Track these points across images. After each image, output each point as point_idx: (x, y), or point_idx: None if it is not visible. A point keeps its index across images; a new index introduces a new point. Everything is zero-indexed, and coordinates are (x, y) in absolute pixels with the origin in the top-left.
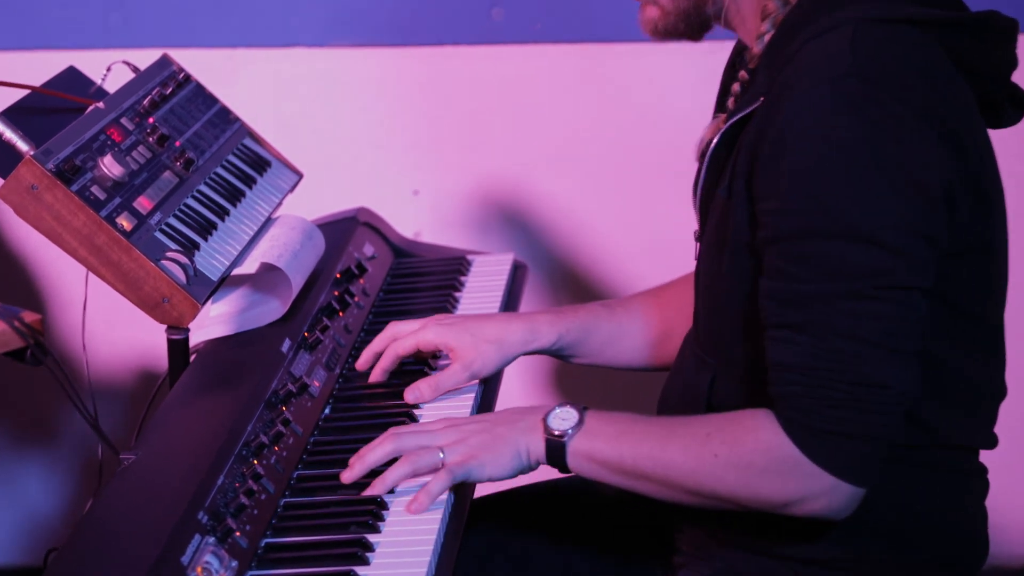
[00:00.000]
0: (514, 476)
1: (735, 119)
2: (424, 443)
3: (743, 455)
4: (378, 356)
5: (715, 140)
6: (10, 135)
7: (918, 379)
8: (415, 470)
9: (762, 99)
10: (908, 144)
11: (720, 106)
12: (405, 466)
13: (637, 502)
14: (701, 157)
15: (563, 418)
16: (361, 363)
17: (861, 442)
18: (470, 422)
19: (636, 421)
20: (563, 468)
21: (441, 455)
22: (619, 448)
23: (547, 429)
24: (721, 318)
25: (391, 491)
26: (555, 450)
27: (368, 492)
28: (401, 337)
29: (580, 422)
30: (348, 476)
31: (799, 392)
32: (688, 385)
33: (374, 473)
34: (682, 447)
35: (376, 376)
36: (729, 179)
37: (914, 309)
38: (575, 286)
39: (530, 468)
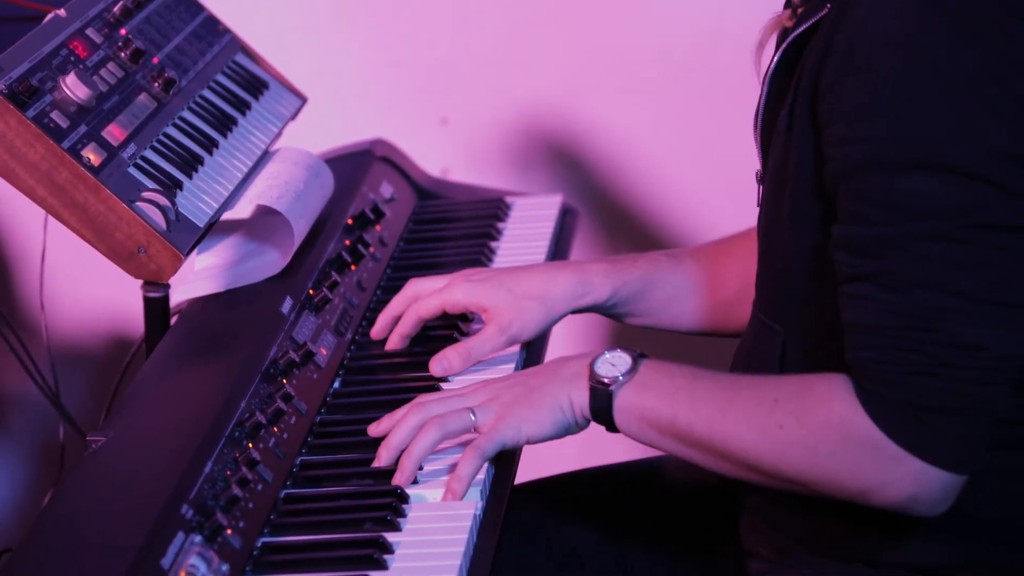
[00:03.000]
0: (558, 436)
1: (797, 33)
2: (453, 406)
3: (812, 430)
4: (395, 320)
5: (774, 61)
6: None
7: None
8: (444, 435)
9: (828, 6)
10: (1012, 55)
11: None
12: (433, 432)
13: (710, 496)
14: (763, 75)
15: (613, 363)
16: (377, 330)
17: (954, 418)
18: (503, 379)
19: (699, 377)
20: (609, 424)
21: (472, 417)
22: (674, 407)
23: (593, 375)
24: (785, 276)
25: (414, 481)
26: (600, 400)
27: (397, 479)
28: (424, 296)
29: (632, 369)
30: (379, 464)
31: (876, 357)
32: (753, 355)
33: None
34: (744, 413)
35: (394, 343)
36: (790, 106)
37: (1016, 253)
38: (635, 234)
39: (577, 426)
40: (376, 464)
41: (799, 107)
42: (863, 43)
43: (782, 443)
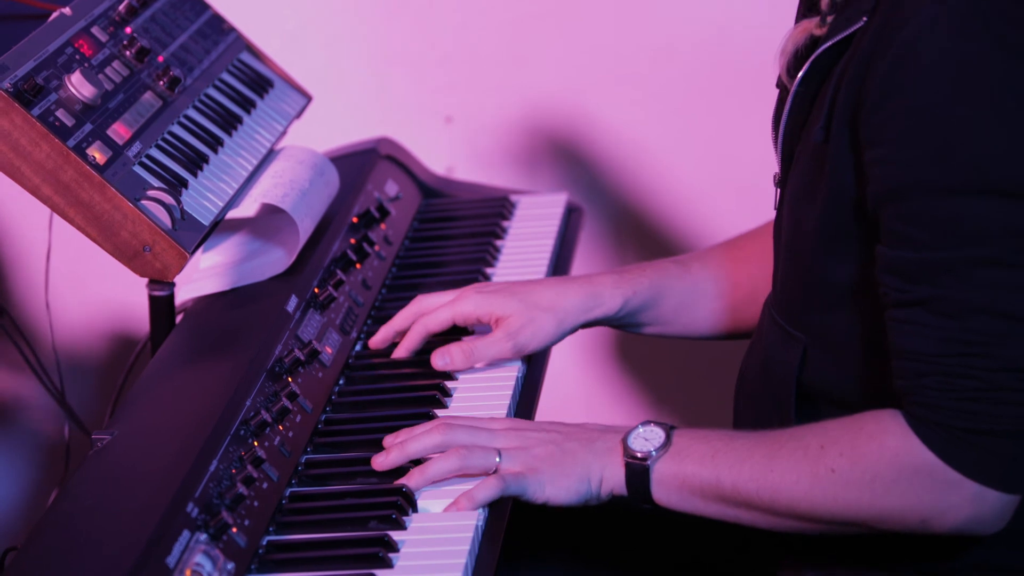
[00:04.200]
0: (575, 504)
1: (829, 44)
2: (480, 442)
3: (867, 468)
4: (399, 335)
5: (806, 67)
6: None
7: None
8: (464, 468)
9: (864, 19)
10: None
11: (808, 6)
12: (454, 461)
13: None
14: (788, 78)
15: (646, 437)
16: (376, 340)
17: (1009, 440)
18: (536, 429)
19: (734, 437)
20: (647, 499)
21: (497, 459)
22: (715, 470)
23: (627, 451)
24: (809, 283)
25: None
26: (637, 476)
27: (403, 480)
28: (431, 310)
29: (667, 442)
30: (383, 462)
31: (930, 384)
32: (771, 362)
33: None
34: (791, 464)
35: (400, 353)
36: (827, 118)
37: None
38: (640, 232)
39: (598, 499)
40: (381, 460)
41: (837, 121)
42: (909, 63)
43: (837, 487)
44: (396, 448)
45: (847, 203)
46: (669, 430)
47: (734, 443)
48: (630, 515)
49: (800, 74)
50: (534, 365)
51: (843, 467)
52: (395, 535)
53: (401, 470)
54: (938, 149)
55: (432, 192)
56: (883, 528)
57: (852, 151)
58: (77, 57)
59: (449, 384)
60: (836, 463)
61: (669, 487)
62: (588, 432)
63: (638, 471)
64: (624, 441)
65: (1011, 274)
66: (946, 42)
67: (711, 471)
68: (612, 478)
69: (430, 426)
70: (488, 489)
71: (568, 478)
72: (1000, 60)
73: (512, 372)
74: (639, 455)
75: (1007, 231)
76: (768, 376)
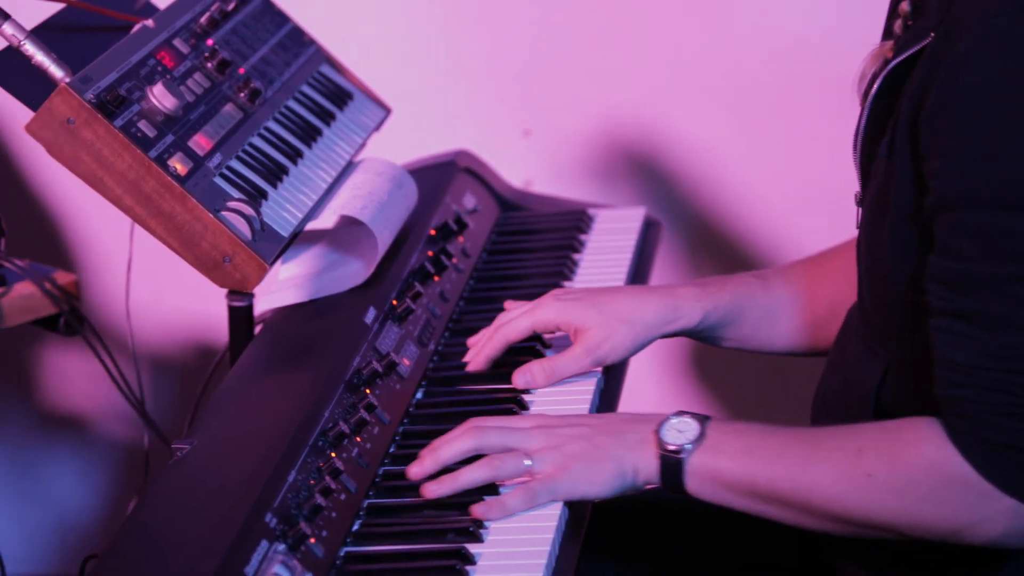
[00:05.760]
0: (612, 496)
1: (898, 60)
2: (511, 444)
3: (903, 475)
4: (492, 360)
5: (876, 86)
6: (41, 58)
7: None
8: (495, 477)
9: (932, 35)
10: None
11: (888, 31)
12: (484, 470)
13: (781, 527)
14: (863, 100)
15: (680, 429)
16: (473, 369)
17: None
18: (567, 425)
19: (770, 433)
20: (679, 490)
21: (528, 463)
22: (749, 466)
23: (660, 443)
24: (889, 301)
25: (496, 491)
26: (670, 468)
27: (432, 488)
28: (511, 320)
29: (701, 435)
30: (417, 471)
31: (968, 397)
32: (851, 380)
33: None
34: (828, 466)
35: (478, 364)
36: (891, 133)
37: None
38: (718, 247)
39: (634, 489)
40: (417, 468)
41: (900, 135)
42: (964, 77)
43: (872, 491)
44: (429, 455)
45: (910, 218)
46: (704, 422)
47: (770, 439)
48: (698, 515)
49: (872, 91)
50: (612, 377)
51: (880, 472)
52: (472, 547)
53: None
54: (989, 164)
55: (510, 205)
56: (916, 535)
57: (913, 165)
58: (159, 69)
59: (526, 397)
60: (873, 467)
61: (703, 480)
62: (618, 423)
63: (671, 463)
64: (657, 432)
65: None
66: (1002, 57)
67: (745, 467)
68: (646, 469)
69: (461, 430)
70: (518, 499)
71: (601, 472)
72: None
73: (590, 384)
74: (672, 448)
75: None
76: (847, 393)
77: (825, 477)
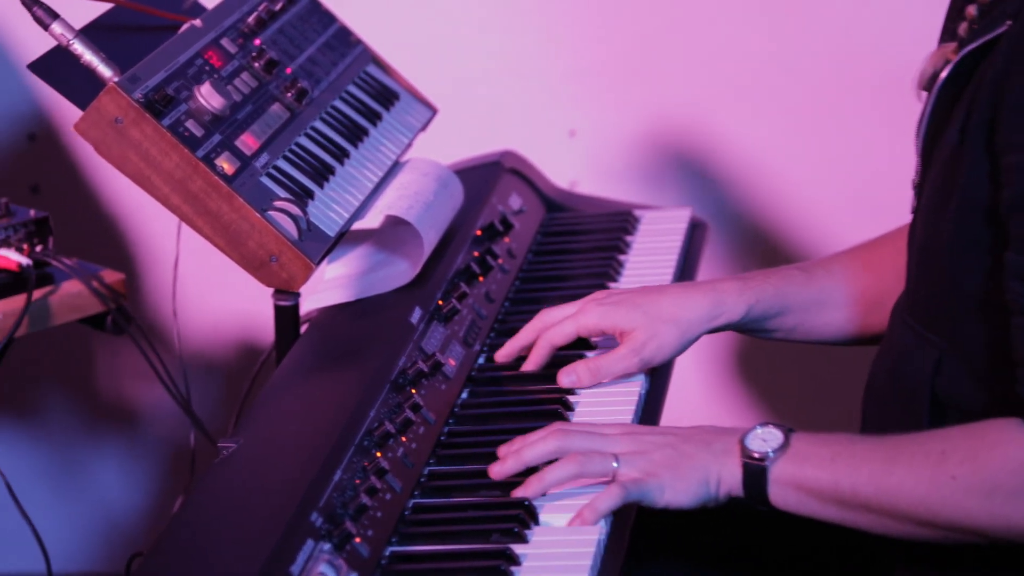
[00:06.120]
0: (695, 507)
1: (972, 46)
2: (596, 447)
3: (987, 476)
4: (525, 350)
5: (946, 71)
6: (90, 58)
7: None
8: (582, 473)
9: (1009, 23)
10: None
11: (948, 31)
12: (571, 466)
13: (835, 530)
14: (927, 90)
15: (764, 439)
16: (502, 355)
17: None
18: (652, 433)
19: (853, 441)
20: (763, 500)
21: (615, 464)
22: (834, 473)
23: (745, 451)
24: (946, 288)
25: (542, 494)
26: (754, 476)
27: (519, 492)
28: (555, 324)
29: (785, 443)
30: (498, 471)
31: None
32: (903, 368)
33: (524, 474)
34: (912, 469)
35: (529, 367)
36: (963, 121)
37: None
38: (765, 248)
39: (716, 501)
40: (498, 469)
41: (974, 123)
42: None
43: (957, 494)
44: (512, 456)
45: (980, 209)
46: (788, 432)
47: (853, 447)
48: (744, 516)
49: (943, 76)
50: (657, 376)
51: (964, 474)
52: (517, 548)
53: (519, 480)
54: None
55: (556, 206)
56: (1002, 538)
57: (988, 156)
58: (207, 68)
59: (572, 398)
60: (957, 470)
61: (786, 489)
62: (705, 434)
63: (755, 472)
64: (742, 442)
65: None
66: None
67: (829, 474)
68: (729, 479)
69: (545, 432)
70: (610, 498)
71: (687, 481)
72: None
73: (635, 385)
74: (756, 456)
75: None
76: (899, 382)
77: (909, 481)
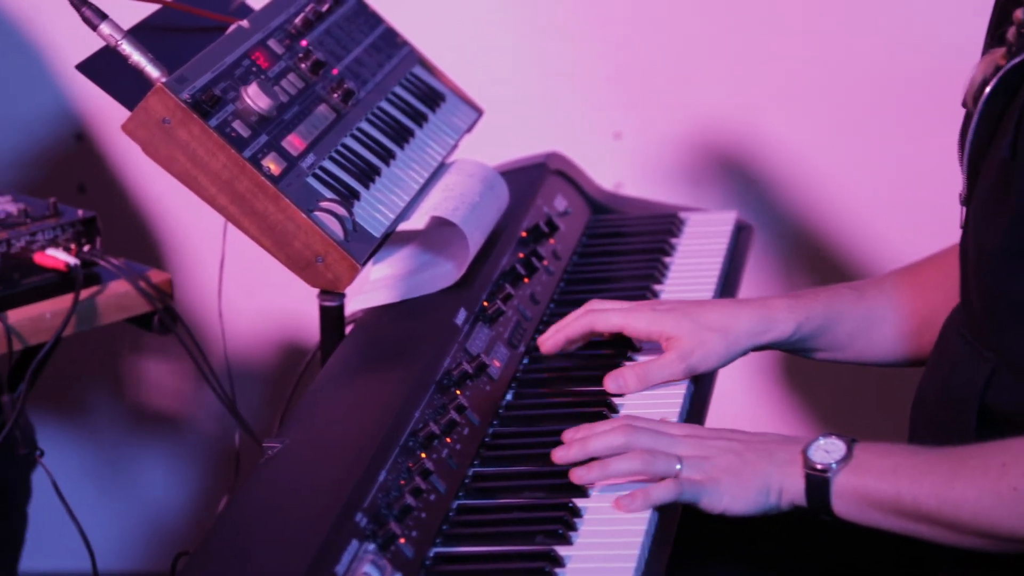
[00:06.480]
0: (752, 515)
1: (1018, 60)
2: (662, 447)
3: None
4: (571, 343)
5: (992, 84)
6: (138, 58)
7: None
8: (645, 472)
9: None
10: None
11: (994, 37)
12: (636, 462)
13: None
14: (972, 102)
15: (827, 450)
16: (545, 342)
17: None
18: (717, 438)
19: (915, 453)
20: (825, 511)
21: (678, 467)
22: (896, 485)
23: (807, 462)
24: (997, 303)
25: (586, 494)
26: (817, 487)
27: (580, 473)
28: (602, 310)
29: (848, 454)
30: (562, 455)
31: None
32: (954, 381)
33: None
34: (973, 481)
35: (555, 343)
36: (1014, 135)
37: None
38: (811, 253)
39: (778, 509)
40: (562, 454)
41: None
42: None
43: (1019, 505)
44: (578, 444)
45: None
46: (850, 443)
47: (916, 458)
48: (794, 521)
49: (987, 91)
50: (701, 384)
51: None
52: (561, 550)
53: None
54: None
55: (601, 208)
56: None
57: None
58: (254, 69)
59: (616, 400)
60: (1019, 482)
61: (849, 500)
62: (768, 442)
63: (818, 483)
64: (804, 452)
65: None
66: None
67: (892, 485)
68: (792, 489)
69: (613, 424)
70: (665, 491)
71: (748, 489)
72: None
73: (679, 391)
74: (819, 467)
75: None
76: (949, 394)
77: (970, 493)
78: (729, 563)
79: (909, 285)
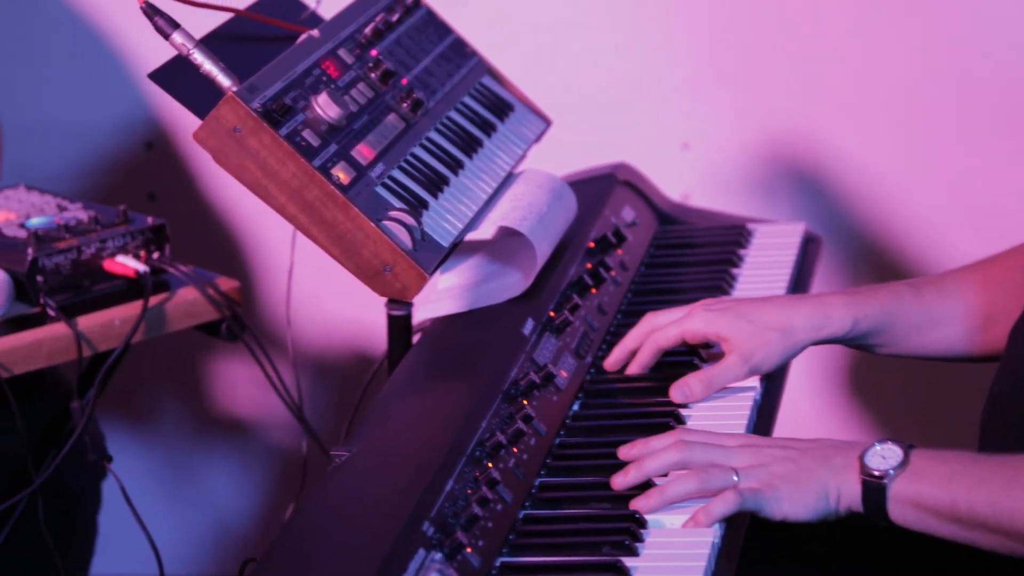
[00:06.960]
0: (813, 520)
1: None
2: (717, 459)
3: None
4: (631, 354)
5: None
6: (209, 67)
7: None
8: (703, 490)
9: None
10: None
11: None
12: (693, 482)
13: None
14: None
15: (884, 456)
16: (611, 362)
17: None
18: (772, 445)
19: (974, 460)
20: (882, 517)
21: (735, 478)
22: (952, 492)
23: (864, 468)
24: None
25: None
26: (873, 494)
27: (640, 503)
28: (661, 327)
29: (905, 461)
30: (620, 482)
31: None
32: None
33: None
34: None
35: (633, 370)
36: None
37: None
38: (880, 264)
39: (836, 515)
40: (620, 479)
41: None
42: None
43: None
44: (634, 468)
45: None
46: (907, 449)
47: (973, 465)
48: (851, 526)
49: None
50: (771, 387)
51: None
52: (627, 561)
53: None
54: None
55: (668, 219)
56: None
57: None
58: (324, 79)
59: (683, 412)
60: None
61: (905, 507)
62: (824, 448)
63: (874, 489)
64: (861, 458)
65: None
66: None
67: (948, 493)
68: (848, 495)
69: (667, 442)
70: (725, 504)
71: (805, 495)
72: None
73: (748, 395)
74: (876, 473)
75: None
76: (1022, 400)
77: None
78: (794, 565)
79: (975, 280)
